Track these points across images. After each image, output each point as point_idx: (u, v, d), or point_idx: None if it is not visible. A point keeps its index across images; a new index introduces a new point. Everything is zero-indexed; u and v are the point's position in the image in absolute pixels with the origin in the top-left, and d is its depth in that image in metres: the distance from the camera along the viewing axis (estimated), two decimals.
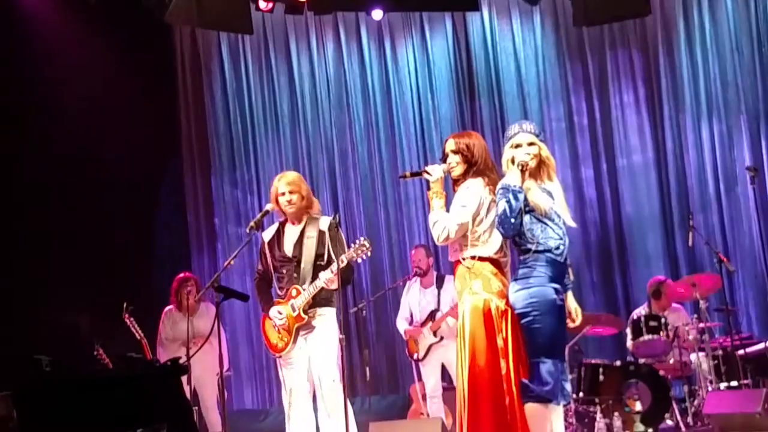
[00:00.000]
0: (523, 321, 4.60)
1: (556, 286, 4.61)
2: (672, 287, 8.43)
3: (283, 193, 5.71)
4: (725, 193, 9.62)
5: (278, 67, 10.44)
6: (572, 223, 4.78)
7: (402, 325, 8.01)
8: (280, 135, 10.40)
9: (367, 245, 5.46)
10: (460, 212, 4.75)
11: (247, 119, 10.38)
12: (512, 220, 4.54)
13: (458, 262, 4.83)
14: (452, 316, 7.48)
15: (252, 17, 9.38)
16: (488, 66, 10.32)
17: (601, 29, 10.07)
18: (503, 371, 4.61)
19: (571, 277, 4.85)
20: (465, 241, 4.79)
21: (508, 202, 4.54)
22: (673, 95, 9.95)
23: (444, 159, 4.96)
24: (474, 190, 4.80)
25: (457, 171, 4.90)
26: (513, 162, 4.68)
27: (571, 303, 4.80)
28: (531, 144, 4.71)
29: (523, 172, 4.63)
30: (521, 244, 4.65)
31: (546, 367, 4.54)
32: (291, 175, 5.84)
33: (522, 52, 10.28)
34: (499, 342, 4.65)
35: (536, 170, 4.74)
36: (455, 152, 4.90)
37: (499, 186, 4.67)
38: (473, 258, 4.77)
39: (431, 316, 7.75)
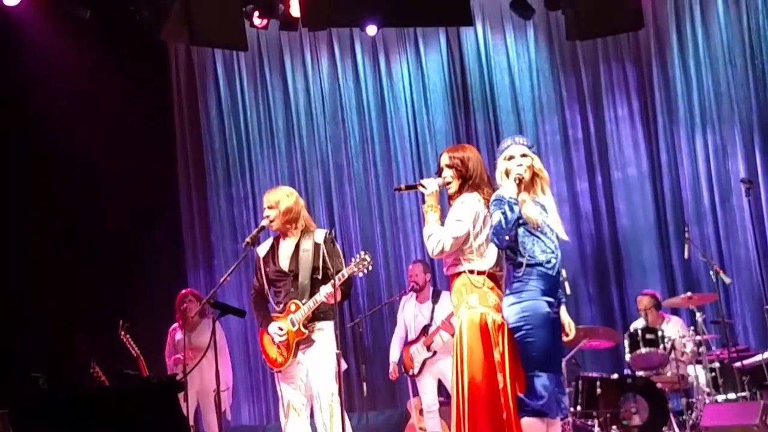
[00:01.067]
0: (516, 335, 4.60)
1: (549, 299, 4.61)
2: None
3: (264, 209, 5.76)
4: (720, 204, 9.63)
5: (273, 83, 10.46)
6: (565, 237, 4.79)
7: (394, 350, 8.00)
8: (275, 150, 10.41)
9: (368, 259, 5.47)
10: (456, 226, 4.75)
11: (243, 135, 10.38)
12: (507, 232, 4.55)
13: (454, 276, 4.84)
14: (445, 330, 7.47)
15: (246, 34, 9.37)
16: (482, 80, 10.35)
17: (594, 43, 10.10)
18: (500, 385, 4.61)
19: (567, 291, 4.86)
20: (461, 255, 4.79)
21: (504, 213, 4.54)
22: (667, 108, 9.97)
23: (439, 173, 4.97)
24: (469, 204, 4.80)
25: (453, 186, 4.90)
26: (507, 174, 4.70)
27: (565, 317, 4.78)
28: (524, 156, 4.73)
29: (518, 184, 4.64)
30: (513, 258, 4.66)
31: (540, 380, 4.54)
32: (273, 191, 5.87)
33: (516, 66, 10.31)
34: (496, 356, 4.64)
35: (530, 183, 4.75)
36: (449, 167, 4.90)
37: (492, 197, 4.68)
38: (470, 272, 4.77)
39: (424, 330, 7.74)
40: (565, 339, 4.80)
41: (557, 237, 4.74)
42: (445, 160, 4.93)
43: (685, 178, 9.83)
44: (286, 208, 5.71)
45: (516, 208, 4.57)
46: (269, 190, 5.92)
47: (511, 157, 4.74)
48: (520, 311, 4.57)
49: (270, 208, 5.73)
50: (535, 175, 4.77)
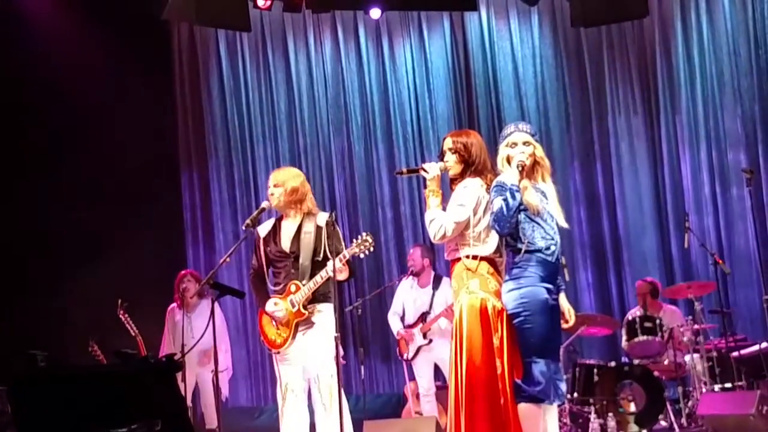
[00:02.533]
0: (514, 321, 4.60)
1: (548, 286, 4.61)
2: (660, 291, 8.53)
3: (269, 187, 5.77)
4: (721, 194, 9.63)
5: (276, 64, 10.44)
6: (565, 224, 4.78)
7: (395, 323, 7.98)
8: (277, 133, 10.40)
9: (370, 240, 5.47)
10: (458, 211, 4.75)
11: (244, 117, 10.37)
12: (509, 219, 4.55)
13: (455, 261, 4.84)
14: (445, 317, 7.46)
15: (250, 15, 9.37)
16: (486, 66, 10.32)
17: (598, 30, 10.08)
18: (498, 371, 4.62)
19: (567, 278, 4.85)
20: (463, 240, 4.79)
21: (505, 200, 4.54)
22: (670, 96, 9.95)
23: (441, 157, 4.97)
24: (472, 189, 4.80)
25: (454, 170, 4.90)
26: (508, 161, 4.69)
27: (564, 304, 4.79)
28: (526, 143, 4.72)
29: (520, 171, 4.63)
30: (512, 244, 4.66)
31: (538, 367, 4.55)
32: (281, 170, 5.89)
33: (519, 52, 10.28)
34: (495, 341, 4.65)
35: (531, 171, 4.74)
36: (452, 151, 4.89)
37: (494, 184, 4.68)
38: (470, 257, 4.77)
39: (422, 317, 7.73)
40: (565, 326, 4.80)
41: (557, 224, 4.74)
42: (448, 144, 4.92)
43: (686, 167, 9.82)
44: (292, 188, 5.71)
45: (517, 195, 4.57)
46: (277, 169, 5.94)
47: (513, 144, 4.73)
48: (519, 297, 4.57)
49: (276, 186, 5.73)
50: (536, 162, 4.76)
